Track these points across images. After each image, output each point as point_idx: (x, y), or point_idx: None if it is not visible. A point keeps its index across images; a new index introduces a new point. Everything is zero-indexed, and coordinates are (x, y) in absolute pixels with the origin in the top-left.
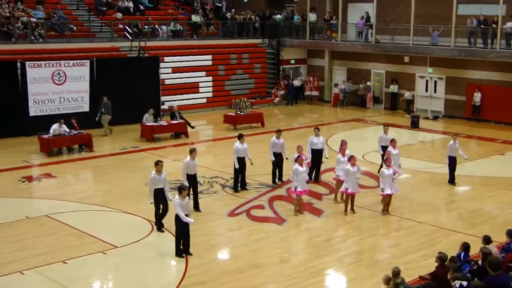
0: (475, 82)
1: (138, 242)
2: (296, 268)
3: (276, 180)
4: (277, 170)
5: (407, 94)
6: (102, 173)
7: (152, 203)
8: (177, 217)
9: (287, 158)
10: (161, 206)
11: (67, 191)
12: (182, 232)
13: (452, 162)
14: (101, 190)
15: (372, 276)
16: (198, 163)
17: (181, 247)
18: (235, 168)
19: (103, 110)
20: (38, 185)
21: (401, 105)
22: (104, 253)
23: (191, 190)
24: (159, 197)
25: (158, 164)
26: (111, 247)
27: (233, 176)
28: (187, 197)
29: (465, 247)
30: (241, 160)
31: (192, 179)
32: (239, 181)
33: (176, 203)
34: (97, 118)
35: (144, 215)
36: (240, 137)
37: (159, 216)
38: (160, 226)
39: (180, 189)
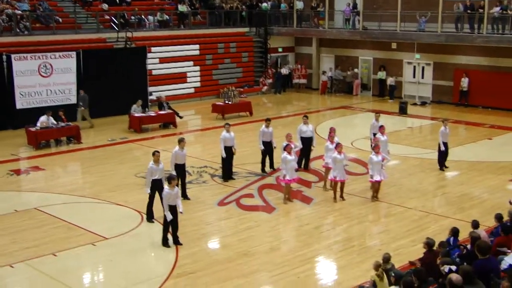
0: (462, 67)
1: (128, 233)
2: (286, 256)
3: (268, 168)
4: (266, 158)
5: (390, 80)
6: (91, 165)
7: (149, 193)
8: (169, 208)
9: (275, 147)
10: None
11: (55, 184)
12: (170, 222)
13: (446, 148)
14: (89, 182)
15: (362, 263)
16: (187, 153)
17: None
18: (222, 157)
19: (80, 103)
20: (27, 178)
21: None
22: (94, 245)
23: (179, 180)
24: (156, 187)
25: (155, 154)
26: (101, 238)
27: (222, 165)
28: (176, 187)
29: (454, 231)
30: (228, 149)
31: (181, 169)
32: (226, 170)
33: (165, 194)
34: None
35: (134, 206)
36: (226, 126)
37: (151, 207)
38: (150, 217)
39: (169, 179)
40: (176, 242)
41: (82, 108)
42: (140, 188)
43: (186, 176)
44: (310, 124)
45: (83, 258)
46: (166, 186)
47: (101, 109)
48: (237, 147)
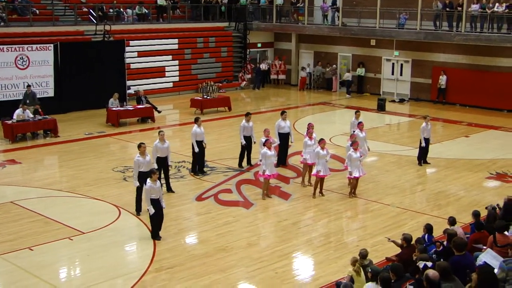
0: (440, 65)
1: (105, 228)
2: (263, 251)
3: (245, 163)
4: (245, 153)
5: (346, 75)
6: (68, 159)
7: (137, 186)
8: (152, 201)
9: (254, 142)
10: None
11: (32, 177)
12: (157, 215)
13: (427, 144)
14: (66, 175)
15: (340, 258)
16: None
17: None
18: (193, 151)
19: (27, 101)
20: (2, 171)
21: (367, 88)
22: (71, 239)
23: (163, 173)
24: (143, 179)
25: (141, 146)
26: (78, 233)
27: (193, 160)
28: (158, 181)
29: (428, 228)
30: (200, 144)
31: (163, 162)
32: (198, 164)
33: (146, 188)
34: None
35: (111, 200)
36: (197, 120)
37: (139, 200)
38: (138, 210)
39: (150, 173)
40: (156, 236)
41: (31, 106)
42: (117, 183)
43: (169, 169)
44: (288, 120)
45: (59, 253)
46: (148, 180)
47: (78, 103)
48: (207, 142)
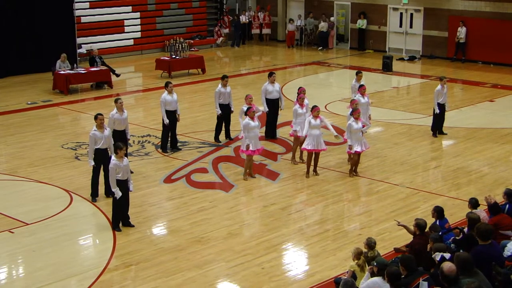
0: (458, 14)
1: (53, 217)
2: (247, 243)
3: (222, 137)
4: (222, 125)
5: (321, 24)
6: (6, 134)
7: (93, 165)
8: (118, 183)
9: (232, 111)
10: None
11: None
12: (121, 201)
13: (441, 110)
14: (5, 154)
15: (339, 250)
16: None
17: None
18: (163, 123)
19: None
20: None
21: (369, 44)
22: (12, 232)
23: None
24: (100, 157)
25: (97, 118)
26: (20, 224)
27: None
28: (125, 157)
29: (438, 211)
30: (171, 114)
31: (120, 136)
32: (169, 139)
33: (112, 166)
34: None
35: (60, 184)
36: (167, 85)
37: (96, 183)
38: (95, 195)
39: (116, 148)
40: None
41: None
42: (68, 162)
43: (127, 145)
44: (277, 83)
45: None
46: (113, 157)
47: (17, 66)
48: (180, 113)
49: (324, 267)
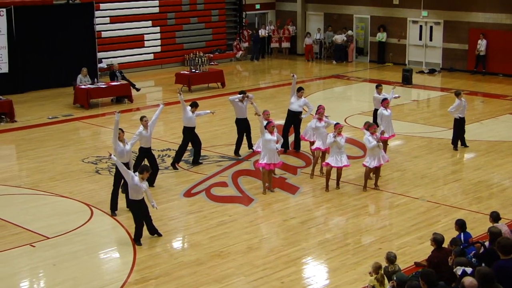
0: (478, 26)
1: (74, 231)
2: (267, 257)
3: (244, 150)
4: (243, 139)
5: (336, 37)
6: (28, 148)
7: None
8: (132, 201)
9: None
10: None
11: None
12: (139, 218)
13: (462, 123)
14: (27, 169)
15: (359, 264)
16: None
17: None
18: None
19: None
20: None
21: (389, 57)
22: (33, 246)
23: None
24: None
25: (142, 119)
26: (41, 238)
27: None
28: (146, 182)
29: (460, 224)
30: (191, 130)
31: (146, 153)
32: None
33: (134, 181)
34: None
35: (81, 198)
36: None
37: (116, 196)
38: (114, 209)
39: (142, 170)
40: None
41: None
42: (89, 176)
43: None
44: (303, 98)
45: (19, 262)
46: (137, 174)
47: (39, 80)
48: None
49: (344, 281)
